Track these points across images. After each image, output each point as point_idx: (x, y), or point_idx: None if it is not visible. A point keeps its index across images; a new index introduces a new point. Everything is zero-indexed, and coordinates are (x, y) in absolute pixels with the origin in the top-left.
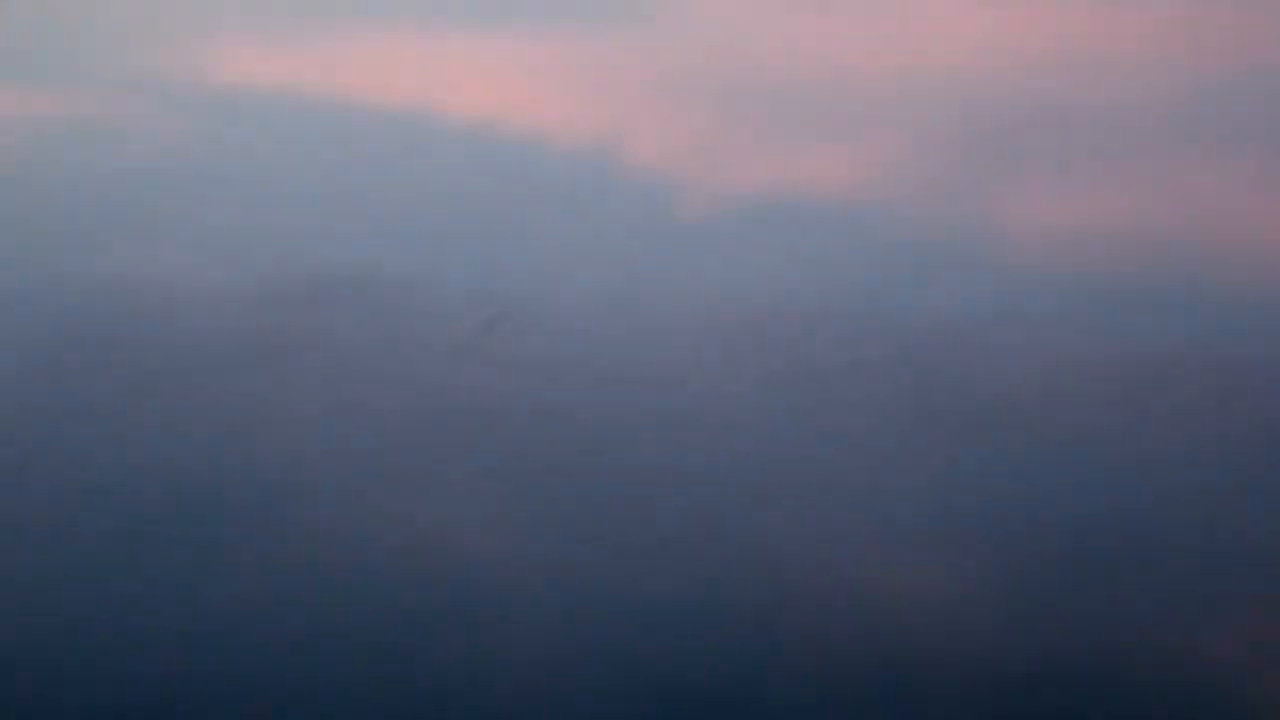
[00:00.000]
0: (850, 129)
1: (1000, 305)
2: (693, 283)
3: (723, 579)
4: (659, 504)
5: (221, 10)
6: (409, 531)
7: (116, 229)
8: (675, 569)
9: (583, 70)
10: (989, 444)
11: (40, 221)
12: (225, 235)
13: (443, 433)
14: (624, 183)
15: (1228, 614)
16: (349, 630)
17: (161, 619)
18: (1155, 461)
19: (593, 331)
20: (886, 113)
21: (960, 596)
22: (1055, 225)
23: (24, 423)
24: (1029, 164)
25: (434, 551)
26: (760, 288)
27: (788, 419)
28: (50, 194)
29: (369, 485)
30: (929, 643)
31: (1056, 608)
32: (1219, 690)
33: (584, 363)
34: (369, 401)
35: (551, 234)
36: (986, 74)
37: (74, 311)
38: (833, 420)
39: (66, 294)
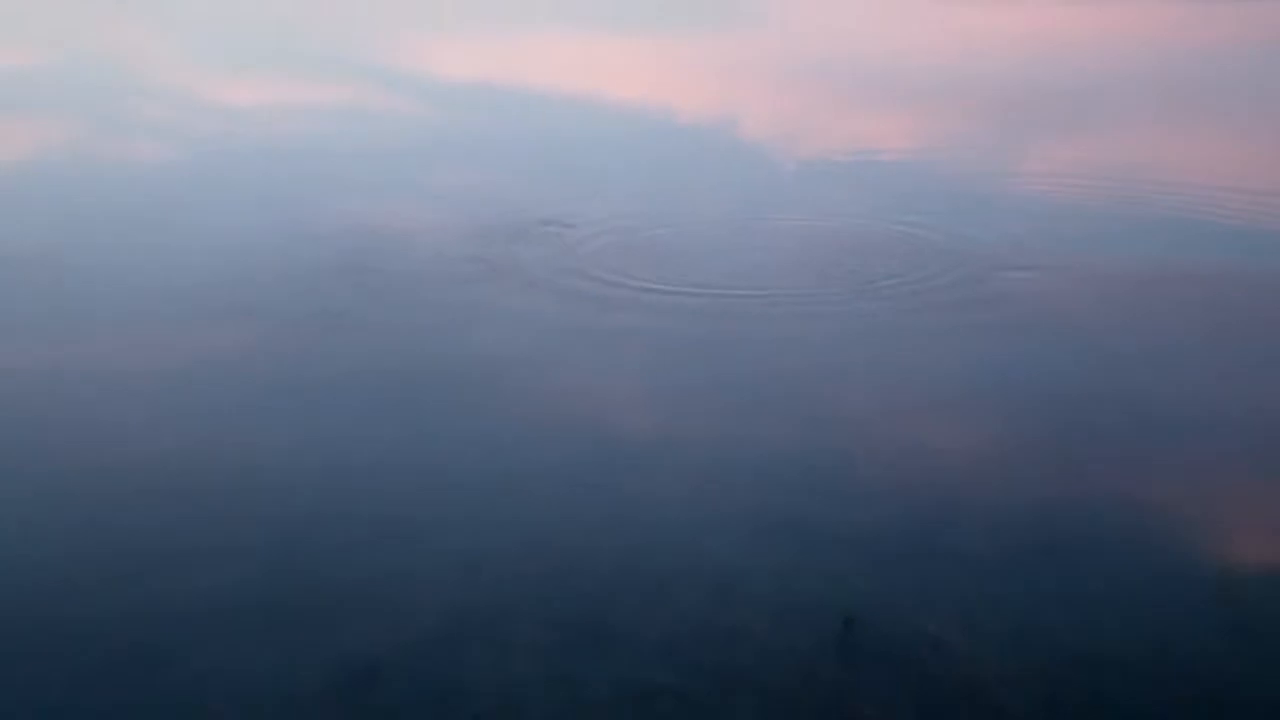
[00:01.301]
0: (905, 106)
1: (1020, 232)
2: (791, 212)
3: (808, 438)
4: (764, 372)
5: (434, 15)
6: (583, 398)
7: (362, 188)
8: (774, 430)
9: (711, 62)
10: (1013, 337)
11: (304, 182)
12: (444, 191)
13: (599, 326)
14: (743, 143)
15: (1197, 469)
16: (548, 468)
17: (409, 457)
18: (1145, 350)
19: (707, 244)
20: (933, 93)
21: (987, 451)
22: (1064, 171)
23: (301, 324)
24: (1042, 129)
25: (602, 416)
26: (839, 218)
27: (857, 314)
28: (309, 161)
29: (550, 366)
30: (960, 485)
31: (1061, 460)
32: (1178, 522)
33: (708, 267)
34: (547, 307)
35: (688, 182)
36: (1012, 61)
37: (332, 247)
38: (890, 316)
39: (326, 235)
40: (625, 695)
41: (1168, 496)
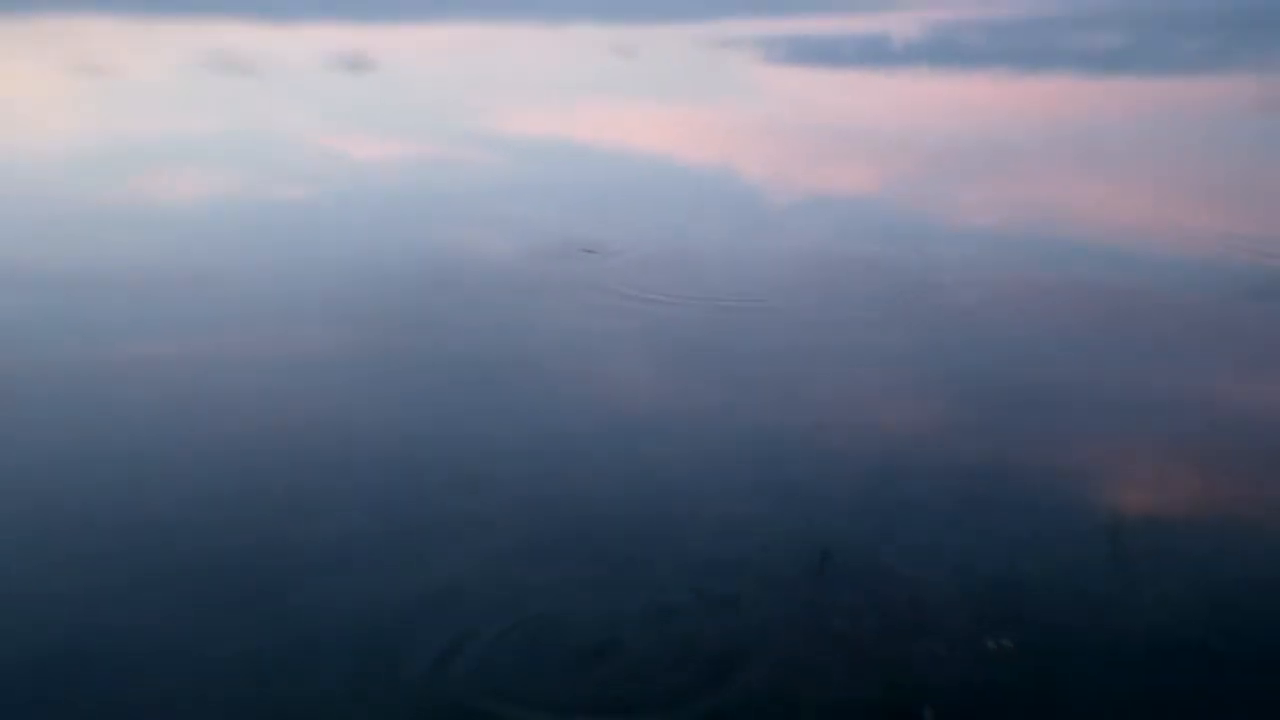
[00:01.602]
0: (865, 158)
1: (963, 255)
2: (770, 240)
3: (789, 415)
4: (754, 362)
5: (508, 91)
6: (612, 382)
7: (450, 220)
8: (763, 408)
9: (714, 124)
10: (953, 336)
11: (407, 216)
12: (509, 222)
13: (624, 327)
14: (737, 188)
15: (1090, 438)
16: (586, 437)
17: (478, 426)
18: (1060, 346)
19: (711, 263)
20: (890, 148)
21: (928, 425)
22: (988, 208)
23: (400, 322)
24: (980, 177)
25: (627, 396)
26: (811, 244)
27: (821, 318)
28: (411, 200)
29: (587, 357)
30: (910, 449)
31: (991, 431)
32: (1078, 478)
33: (704, 281)
34: (585, 311)
35: (694, 216)
36: (948, 123)
37: (425, 264)
38: (851, 320)
39: (420, 255)
40: (651, 608)
41: (1068, 459)
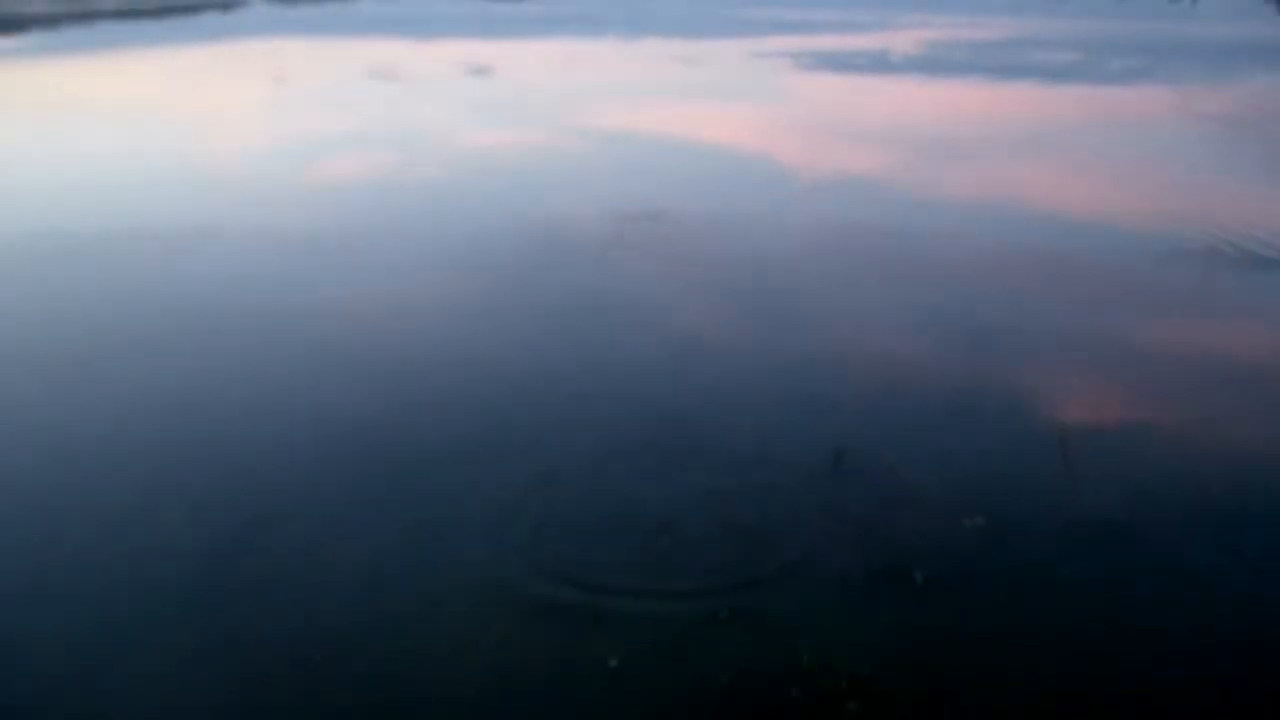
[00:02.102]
0: (871, 147)
1: (945, 224)
2: (797, 211)
3: (808, 344)
4: (785, 304)
5: (599, 89)
6: (669, 315)
7: (547, 190)
8: (788, 339)
9: (756, 117)
10: (938, 285)
11: (513, 189)
12: (598, 190)
13: (680, 274)
14: (770, 167)
15: (1053, 368)
16: (649, 361)
17: (569, 355)
18: (1020, 295)
19: (751, 226)
20: (890, 139)
21: (918, 354)
22: (971, 192)
23: (509, 273)
24: (960, 163)
25: (681, 329)
26: (828, 214)
27: (837, 271)
28: (516, 177)
29: (649, 298)
30: (905, 373)
31: (968, 360)
32: (1036, 397)
33: (745, 239)
34: (650, 262)
35: (737, 193)
36: (944, 122)
37: (529, 226)
38: (850, 273)
39: (526, 219)
40: (703, 494)
41: (1027, 383)
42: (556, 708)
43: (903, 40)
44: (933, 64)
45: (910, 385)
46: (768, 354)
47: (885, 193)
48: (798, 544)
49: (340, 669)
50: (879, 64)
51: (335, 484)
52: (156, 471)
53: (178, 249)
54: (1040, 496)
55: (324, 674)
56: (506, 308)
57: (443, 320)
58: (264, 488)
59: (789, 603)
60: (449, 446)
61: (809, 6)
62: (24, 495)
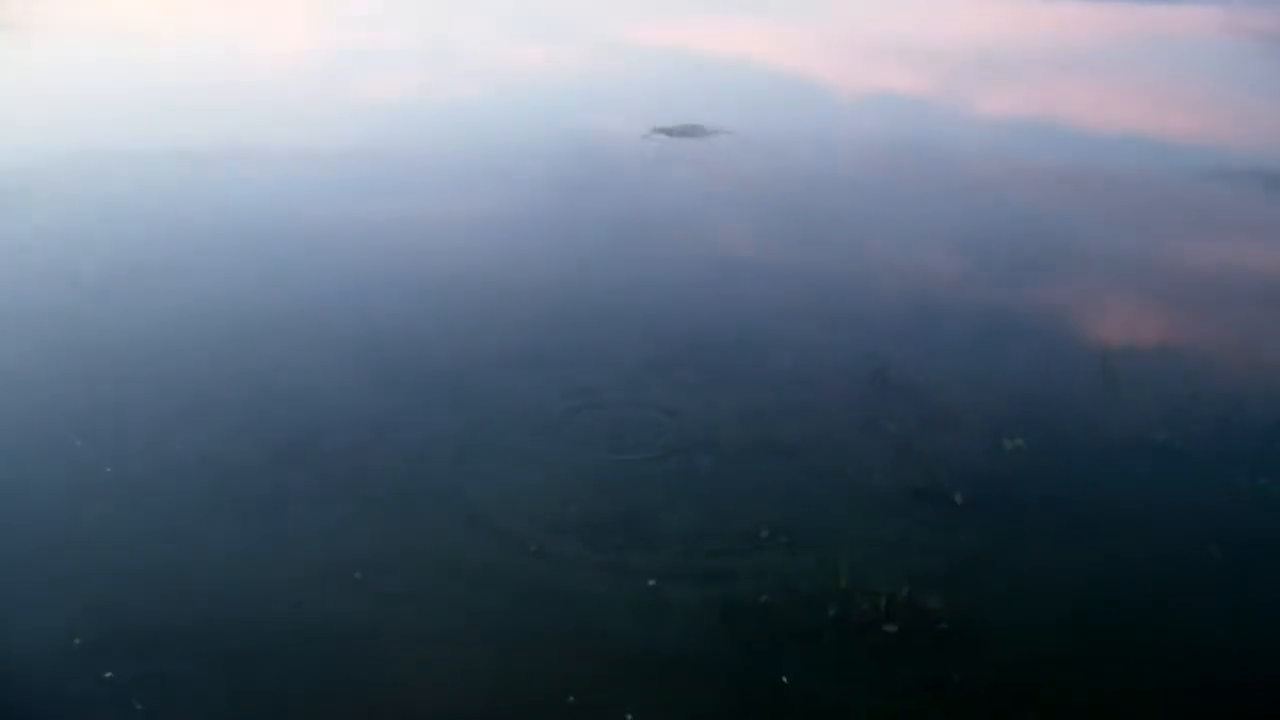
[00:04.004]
0: (911, 66)
1: (978, 140)
2: (838, 128)
3: (848, 262)
4: (821, 219)
5: (633, 6)
6: (708, 233)
7: (589, 107)
8: (835, 260)
9: (789, 37)
10: (974, 204)
11: (556, 107)
12: (633, 110)
13: (717, 191)
14: (809, 87)
15: (1091, 288)
16: (688, 277)
17: (607, 270)
18: (1057, 214)
19: (792, 143)
20: (930, 59)
21: (957, 272)
22: (1013, 109)
23: (554, 188)
24: (1001, 78)
25: (719, 245)
26: (870, 131)
27: (869, 190)
28: (559, 95)
29: (703, 212)
30: (944, 292)
31: (1005, 279)
32: (1072, 315)
33: (781, 158)
34: (691, 174)
35: (778, 110)
36: (985, 40)
37: (574, 142)
38: (890, 190)
39: (571, 135)
40: (744, 410)
41: (1066, 302)
42: (596, 625)
43: None
44: None
45: (951, 304)
46: (808, 272)
47: (926, 110)
48: (836, 463)
49: (388, 568)
50: None
51: (399, 394)
52: (207, 383)
53: (218, 167)
54: (1080, 416)
55: (368, 575)
56: (544, 224)
57: (484, 237)
58: (320, 388)
59: (827, 522)
60: (495, 355)
61: None
62: (71, 410)
